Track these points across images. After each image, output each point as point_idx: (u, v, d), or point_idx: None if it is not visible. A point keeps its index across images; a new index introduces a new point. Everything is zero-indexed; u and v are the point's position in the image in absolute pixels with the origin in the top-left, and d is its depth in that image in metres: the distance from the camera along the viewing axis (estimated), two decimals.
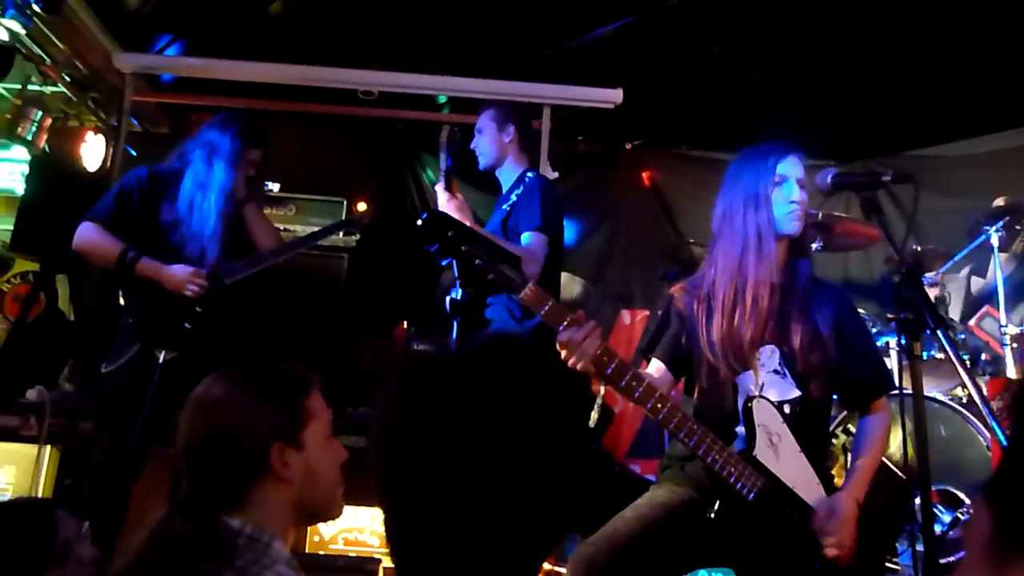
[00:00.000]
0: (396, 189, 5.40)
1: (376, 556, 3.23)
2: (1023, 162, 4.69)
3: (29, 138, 4.21)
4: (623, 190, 5.57)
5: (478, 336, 0.96)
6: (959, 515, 2.90)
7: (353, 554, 3.34)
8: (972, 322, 3.73)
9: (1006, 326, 3.56)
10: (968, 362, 3.48)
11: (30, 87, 4.26)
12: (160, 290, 2.90)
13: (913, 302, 1.76)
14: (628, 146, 5.59)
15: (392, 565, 0.93)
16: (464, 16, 4.15)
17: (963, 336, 3.61)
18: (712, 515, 1.95)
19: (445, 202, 2.96)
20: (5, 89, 4.43)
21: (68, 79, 4.36)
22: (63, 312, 4.49)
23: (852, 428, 3.11)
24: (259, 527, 1.37)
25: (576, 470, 0.91)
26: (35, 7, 3.22)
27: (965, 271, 4.17)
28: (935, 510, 2.95)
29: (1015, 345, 3.54)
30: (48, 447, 3.44)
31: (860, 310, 2.65)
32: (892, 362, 3.27)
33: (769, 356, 2.12)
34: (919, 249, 3.94)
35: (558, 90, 4.44)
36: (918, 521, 2.12)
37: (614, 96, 4.38)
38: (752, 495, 1.94)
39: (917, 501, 1.80)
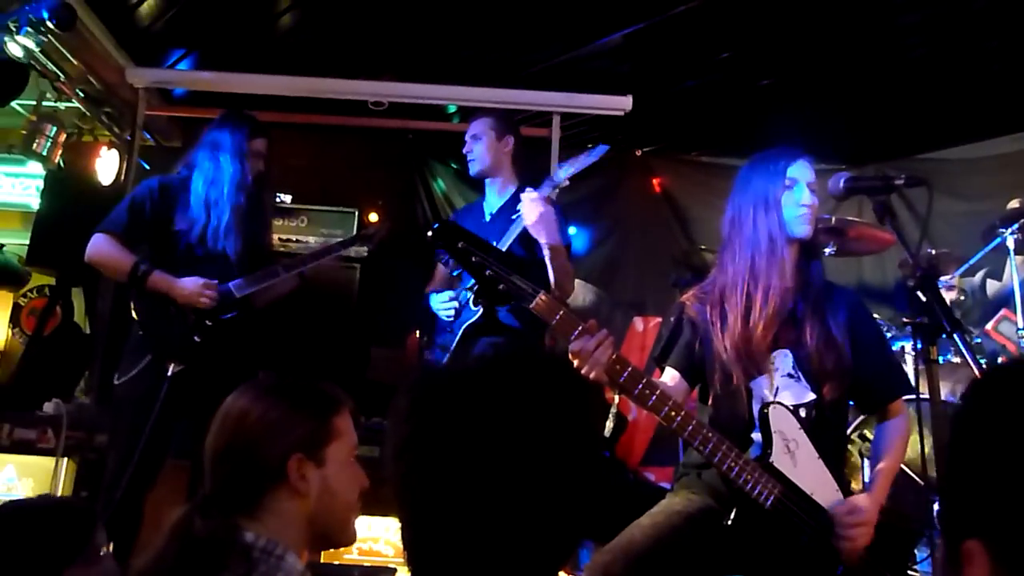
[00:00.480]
0: (407, 199, 5.42)
1: (391, 566, 3.23)
2: None
3: (44, 153, 4.26)
4: (634, 197, 5.57)
5: (493, 345, 0.96)
6: None
7: (368, 564, 3.33)
8: (989, 325, 3.70)
9: (1023, 329, 3.53)
10: (985, 366, 3.44)
11: (45, 103, 4.31)
12: (171, 303, 2.92)
13: (929, 306, 1.74)
14: (638, 153, 5.59)
15: (408, 574, 0.93)
16: (473, 26, 4.17)
17: (980, 340, 3.58)
18: (729, 523, 1.94)
19: (538, 211, 2.80)
20: (20, 105, 4.49)
21: (82, 95, 4.40)
22: (79, 325, 4.52)
23: (868, 434, 3.08)
24: (272, 540, 1.37)
25: (590, 478, 0.90)
26: (49, 24, 3.25)
27: (981, 274, 4.14)
28: None
29: None
30: (65, 459, 3.47)
31: (875, 315, 2.64)
32: (908, 367, 3.24)
33: (783, 360, 2.11)
34: (934, 253, 3.91)
35: (568, 98, 4.45)
36: (937, 528, 2.10)
37: (624, 103, 4.39)
38: (770, 502, 1.92)
39: (936, 507, 1.78)
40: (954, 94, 4.55)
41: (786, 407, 2.04)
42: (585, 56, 4.37)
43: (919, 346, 1.81)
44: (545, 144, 4.45)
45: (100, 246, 2.97)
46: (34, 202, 4.97)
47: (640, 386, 1.84)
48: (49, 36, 3.57)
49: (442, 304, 3.06)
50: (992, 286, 4.10)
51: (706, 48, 4.30)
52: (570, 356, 1.77)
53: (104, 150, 4.55)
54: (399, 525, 0.93)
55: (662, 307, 4.92)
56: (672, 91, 4.73)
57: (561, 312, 1.77)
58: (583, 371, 1.74)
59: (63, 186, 4.35)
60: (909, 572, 2.06)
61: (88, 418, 3.58)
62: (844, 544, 1.94)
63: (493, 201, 3.24)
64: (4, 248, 5.60)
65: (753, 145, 2.39)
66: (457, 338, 3.01)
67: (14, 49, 3.40)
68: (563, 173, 2.93)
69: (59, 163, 4.37)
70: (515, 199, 3.12)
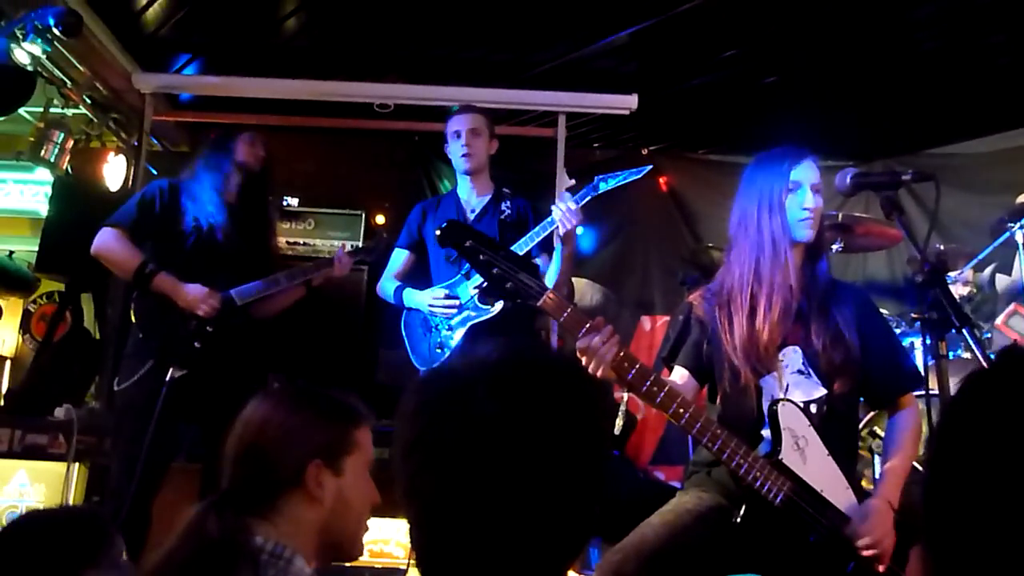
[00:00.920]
0: (414, 200, 5.41)
1: (401, 567, 3.23)
2: None
3: (52, 160, 4.28)
4: (640, 196, 5.55)
5: (501, 343, 0.96)
6: None
7: (379, 566, 3.34)
8: (999, 320, 3.67)
9: None
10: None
11: (52, 110, 4.33)
12: (171, 307, 2.92)
13: (937, 301, 1.74)
14: (644, 152, 5.58)
15: (418, 575, 0.93)
16: (477, 26, 4.17)
17: (990, 335, 3.56)
18: (738, 520, 1.94)
19: (575, 219, 2.84)
20: (28, 112, 4.51)
21: (89, 101, 4.43)
22: (89, 331, 4.55)
23: (879, 430, 3.07)
24: (281, 544, 1.37)
25: (599, 477, 0.90)
26: (55, 31, 3.27)
27: (990, 269, 4.12)
28: None
29: None
30: (76, 464, 3.48)
31: (883, 311, 2.62)
32: (918, 362, 3.22)
33: (792, 357, 2.11)
34: (942, 248, 3.89)
35: (573, 98, 4.45)
36: None
37: (629, 102, 4.38)
38: (779, 499, 1.92)
39: None
40: (961, 89, 4.52)
41: (795, 403, 2.04)
42: (590, 55, 4.36)
43: (928, 342, 1.80)
44: (551, 144, 4.45)
45: (108, 240, 2.97)
46: (43, 209, 5.00)
47: (648, 383, 1.84)
48: (56, 43, 3.59)
49: (438, 302, 3.05)
50: (1002, 281, 4.08)
51: (712, 46, 4.29)
52: (578, 353, 1.78)
53: (112, 156, 4.57)
54: (408, 526, 0.93)
55: (669, 306, 4.92)
56: (678, 89, 4.72)
57: (569, 310, 1.78)
58: (591, 368, 1.75)
59: (71, 192, 4.38)
60: None
61: (99, 423, 3.59)
62: (863, 543, 1.93)
63: (472, 200, 3.22)
64: (13, 255, 5.64)
65: (760, 142, 2.39)
66: (463, 335, 3.00)
67: (21, 56, 3.41)
68: (604, 186, 2.99)
69: (67, 169, 4.39)
70: (496, 201, 3.17)
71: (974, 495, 0.72)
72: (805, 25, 4.04)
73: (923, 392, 2.21)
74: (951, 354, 3.43)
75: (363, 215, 4.47)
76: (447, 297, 3.04)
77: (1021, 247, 3.67)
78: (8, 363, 6.08)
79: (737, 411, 2.09)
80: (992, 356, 3.34)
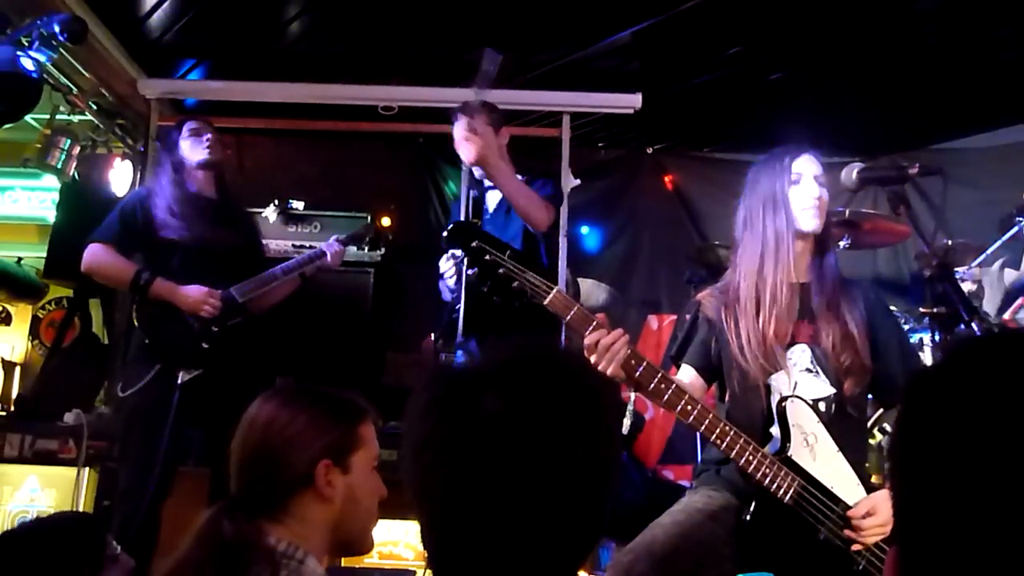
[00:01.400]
0: (419, 202, 5.43)
1: (411, 569, 3.23)
2: None
3: (59, 166, 4.29)
4: (646, 195, 5.56)
5: (510, 342, 0.96)
6: None
7: (389, 567, 3.34)
8: (1007, 315, 3.66)
9: None
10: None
11: (58, 116, 4.34)
12: (172, 310, 2.93)
13: (946, 296, 1.73)
14: (649, 151, 5.57)
15: None
16: (481, 28, 4.17)
17: (999, 330, 3.54)
18: (748, 518, 1.93)
19: (478, 145, 2.68)
20: (34, 119, 4.53)
21: (95, 107, 4.44)
22: (97, 336, 4.56)
23: (888, 427, 3.05)
24: (293, 544, 1.38)
25: (610, 477, 0.90)
26: (61, 38, 3.28)
27: (998, 264, 4.10)
28: None
29: None
30: (87, 469, 3.50)
31: (892, 307, 2.61)
32: (927, 358, 3.21)
33: (801, 355, 2.11)
34: (950, 243, 3.88)
35: (577, 97, 4.44)
36: None
37: (633, 101, 4.37)
38: (788, 496, 1.92)
39: None
40: (967, 83, 4.50)
41: (804, 401, 2.03)
42: (594, 55, 4.36)
43: (937, 337, 1.79)
44: (555, 144, 4.45)
45: (97, 255, 2.99)
46: (50, 215, 5.02)
47: (655, 381, 1.85)
48: (61, 50, 3.60)
49: (446, 267, 3.02)
50: (1010, 275, 4.06)
51: (715, 43, 4.28)
52: (585, 351, 1.78)
53: (118, 162, 4.59)
54: (419, 527, 0.93)
55: (677, 305, 4.91)
56: (682, 88, 4.71)
57: (576, 308, 1.79)
58: (599, 367, 1.75)
59: (78, 199, 4.39)
60: None
61: (109, 428, 3.61)
62: (856, 541, 1.94)
63: (492, 196, 3.20)
64: (22, 261, 5.66)
65: (765, 139, 2.39)
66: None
67: (27, 63, 3.43)
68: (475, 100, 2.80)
69: (74, 176, 4.41)
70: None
71: (937, 495, 0.73)
72: (809, 21, 4.03)
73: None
74: None
75: (368, 217, 4.47)
76: (452, 266, 3.03)
77: None
78: (18, 369, 6.10)
79: (746, 409, 2.09)
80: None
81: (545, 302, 1.77)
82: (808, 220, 2.12)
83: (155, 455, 2.72)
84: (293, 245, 4.21)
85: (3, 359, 6.01)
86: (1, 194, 5.82)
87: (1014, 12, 3.89)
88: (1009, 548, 0.67)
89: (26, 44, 3.21)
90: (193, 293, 2.93)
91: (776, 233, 2.10)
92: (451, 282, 3.03)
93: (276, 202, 4.09)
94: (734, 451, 1.90)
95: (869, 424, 3.12)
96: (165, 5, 3.97)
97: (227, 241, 3.11)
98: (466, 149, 2.68)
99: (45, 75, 3.74)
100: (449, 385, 0.92)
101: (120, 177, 4.58)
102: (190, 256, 2.99)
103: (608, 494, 0.90)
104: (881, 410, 3.14)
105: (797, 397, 2.04)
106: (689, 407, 1.88)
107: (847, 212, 3.62)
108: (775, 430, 2.03)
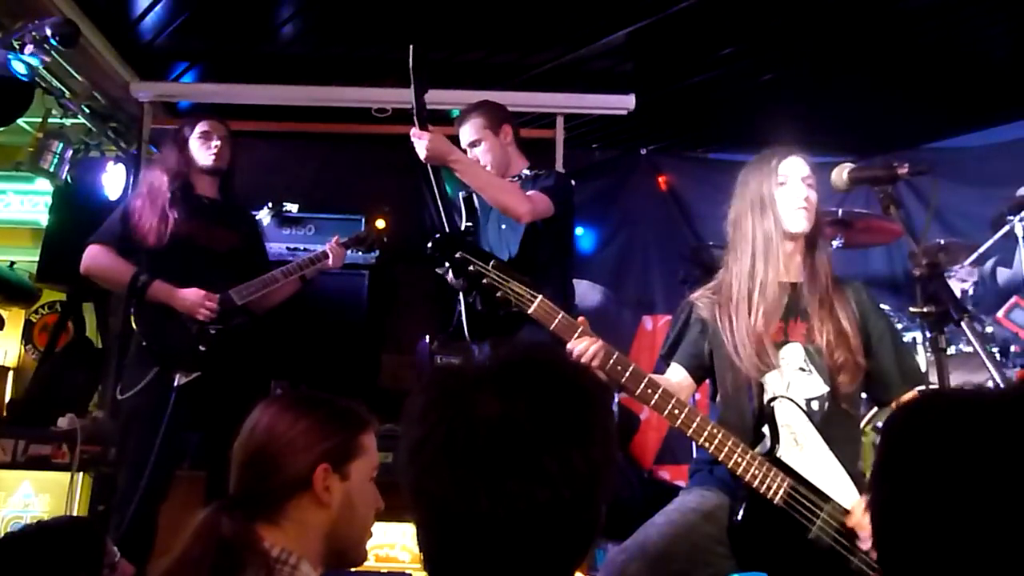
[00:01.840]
0: (414, 205, 5.42)
1: (408, 572, 3.23)
2: None
3: (51, 170, 4.27)
4: (640, 196, 5.56)
5: (506, 344, 0.97)
6: None
7: (386, 571, 3.34)
8: (1000, 313, 3.67)
9: None
10: (998, 354, 3.42)
11: (51, 120, 4.33)
12: (170, 313, 2.93)
13: (936, 295, 1.74)
14: (643, 151, 5.58)
15: None
16: (474, 30, 4.18)
17: (992, 328, 3.55)
18: (739, 518, 1.95)
19: (423, 145, 2.71)
20: (27, 123, 4.52)
21: (87, 110, 4.43)
22: (91, 340, 4.55)
23: (881, 425, 3.07)
24: (287, 549, 1.39)
25: (605, 476, 0.91)
26: (53, 42, 3.28)
27: (991, 262, 4.12)
28: None
29: None
30: (81, 474, 3.48)
31: (885, 306, 2.62)
32: (921, 357, 3.22)
33: (794, 354, 2.12)
34: (943, 242, 3.90)
35: (571, 99, 4.45)
36: None
37: (627, 102, 4.38)
38: (778, 497, 1.93)
39: None
40: (959, 82, 4.53)
41: (793, 401, 2.04)
42: (587, 56, 4.36)
43: (928, 335, 1.81)
44: (550, 145, 4.45)
45: (97, 257, 2.99)
46: (43, 219, 5.01)
47: (642, 385, 1.89)
48: (53, 53, 3.59)
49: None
50: (1003, 274, 4.08)
51: (708, 44, 4.30)
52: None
53: (111, 165, 4.58)
54: (415, 529, 0.93)
55: (671, 305, 4.91)
56: (676, 88, 4.73)
57: (560, 317, 1.83)
58: None
59: (71, 202, 4.38)
60: None
61: (102, 432, 3.60)
62: (864, 536, 1.94)
63: None
64: (15, 265, 5.65)
65: (759, 140, 2.40)
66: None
67: (18, 67, 3.42)
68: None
69: (67, 179, 4.40)
70: (524, 180, 3.00)
71: (916, 520, 0.79)
72: (801, 21, 4.05)
73: (926, 387, 2.22)
74: (954, 348, 3.42)
75: (363, 220, 4.47)
76: None
77: (1022, 240, 3.68)
78: (11, 374, 6.09)
79: (738, 409, 2.10)
80: (994, 350, 3.35)
81: (529, 311, 1.80)
82: (796, 221, 2.13)
83: (150, 459, 2.72)
84: (288, 248, 4.21)
85: None
86: None
87: (1005, 11, 3.91)
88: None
89: (17, 48, 3.20)
90: (190, 296, 2.93)
91: (764, 234, 2.13)
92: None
93: (270, 205, 4.08)
94: (722, 453, 1.93)
95: (863, 423, 3.14)
96: (158, 8, 3.97)
97: (226, 243, 3.11)
98: (417, 150, 2.71)
99: (37, 79, 3.73)
100: (446, 387, 0.92)
101: (113, 180, 4.57)
102: (189, 258, 2.99)
103: (603, 495, 0.90)
104: (875, 409, 3.16)
105: (786, 397, 2.05)
106: (676, 411, 1.91)
107: (840, 212, 3.64)
108: (765, 429, 2.04)
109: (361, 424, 1.53)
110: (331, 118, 4.71)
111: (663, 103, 4.81)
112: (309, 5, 4.02)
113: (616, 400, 3.59)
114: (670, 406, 1.90)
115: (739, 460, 1.92)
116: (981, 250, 3.75)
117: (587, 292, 4.75)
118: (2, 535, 1.83)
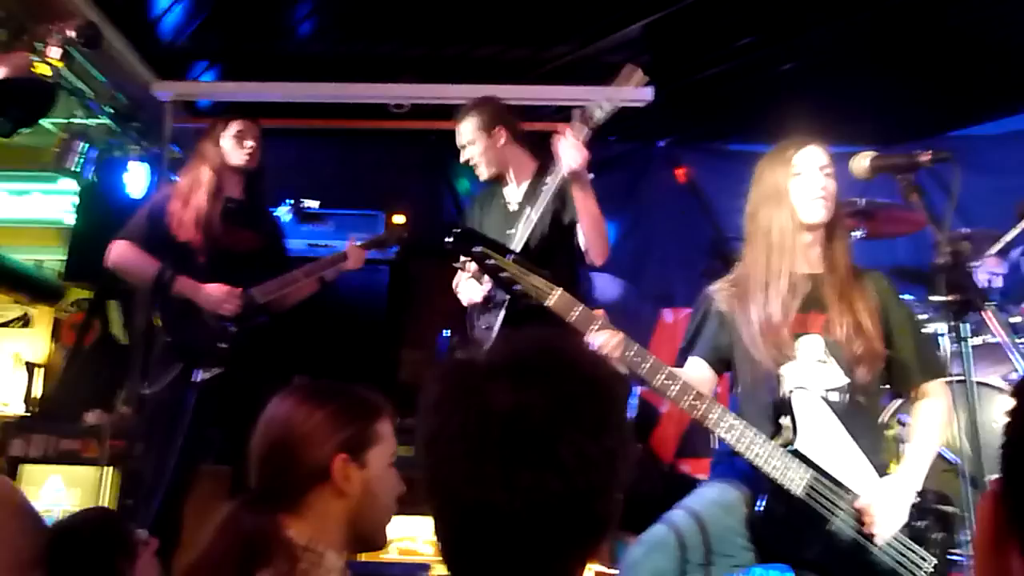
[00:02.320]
0: (433, 200, 5.44)
1: (427, 563, 3.25)
2: None
3: (76, 170, 4.34)
4: (658, 188, 5.53)
5: (521, 334, 0.97)
6: None
7: (407, 563, 3.36)
8: None
9: None
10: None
11: (74, 120, 4.39)
12: (194, 309, 2.96)
13: (959, 284, 1.72)
14: (661, 144, 5.55)
15: (445, 572, 0.94)
16: (490, 24, 4.18)
17: (1020, 319, 3.50)
18: (760, 509, 1.94)
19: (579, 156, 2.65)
20: (51, 123, 4.58)
21: (110, 111, 4.48)
22: (117, 337, 4.61)
23: (904, 417, 3.04)
24: (313, 539, 1.40)
25: (620, 467, 0.91)
26: (76, 43, 3.32)
27: (1017, 252, 4.06)
28: None
29: None
30: (109, 468, 3.54)
31: (909, 296, 2.60)
32: (945, 347, 3.18)
33: (813, 346, 2.10)
34: (968, 231, 3.84)
35: (588, 91, 4.41)
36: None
37: (644, 94, 4.35)
38: (800, 488, 1.92)
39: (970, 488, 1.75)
40: (982, 70, 4.45)
41: (813, 392, 2.03)
42: (605, 49, 4.35)
43: (952, 325, 1.79)
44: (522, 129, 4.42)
45: (123, 252, 3.03)
46: (68, 218, 5.08)
47: (661, 377, 1.89)
48: (76, 54, 3.64)
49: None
50: None
51: (726, 34, 4.26)
52: None
53: (134, 164, 4.63)
54: (432, 520, 0.94)
55: (691, 298, 4.83)
56: (694, 80, 4.70)
57: (579, 309, 1.83)
58: None
59: (97, 201, 4.45)
60: (950, 555, 2.03)
61: (129, 428, 3.65)
62: (866, 520, 1.94)
63: (513, 195, 3.07)
64: (43, 265, 5.74)
65: (778, 130, 2.38)
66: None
67: (42, 69, 3.46)
68: (600, 113, 2.75)
69: (91, 179, 4.46)
70: (539, 179, 2.93)
71: None
72: (819, 10, 4.00)
73: (951, 377, 2.20)
74: (980, 339, 3.37)
75: (382, 215, 4.50)
76: None
77: None
78: (42, 371, 6.18)
79: (757, 401, 2.10)
80: (1020, 341, 3.30)
81: (549, 304, 1.80)
82: (813, 212, 2.11)
83: (173, 454, 2.76)
84: (308, 244, 4.24)
85: (26, 361, 6.08)
86: (20, 198, 5.88)
87: None
88: None
89: (41, 49, 3.24)
90: (215, 292, 2.96)
91: (780, 226, 2.11)
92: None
93: (290, 201, 4.11)
94: (742, 444, 1.92)
95: (887, 416, 3.11)
96: (177, 8, 4.01)
97: (248, 244, 3.13)
98: (569, 158, 2.66)
99: (60, 80, 3.78)
100: (460, 378, 0.93)
101: (136, 179, 4.63)
102: (212, 256, 3.02)
103: (618, 485, 0.90)
104: (899, 401, 3.12)
105: (805, 388, 2.04)
106: (696, 402, 1.91)
107: (863, 202, 3.59)
108: (785, 420, 2.03)
109: (376, 412, 1.54)
110: (349, 114, 4.74)
111: (681, 95, 4.78)
112: (326, 3, 4.04)
113: (636, 394, 3.58)
114: (689, 397, 1.90)
115: (760, 452, 1.92)
116: (1007, 239, 3.69)
117: (605, 285, 4.74)
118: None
